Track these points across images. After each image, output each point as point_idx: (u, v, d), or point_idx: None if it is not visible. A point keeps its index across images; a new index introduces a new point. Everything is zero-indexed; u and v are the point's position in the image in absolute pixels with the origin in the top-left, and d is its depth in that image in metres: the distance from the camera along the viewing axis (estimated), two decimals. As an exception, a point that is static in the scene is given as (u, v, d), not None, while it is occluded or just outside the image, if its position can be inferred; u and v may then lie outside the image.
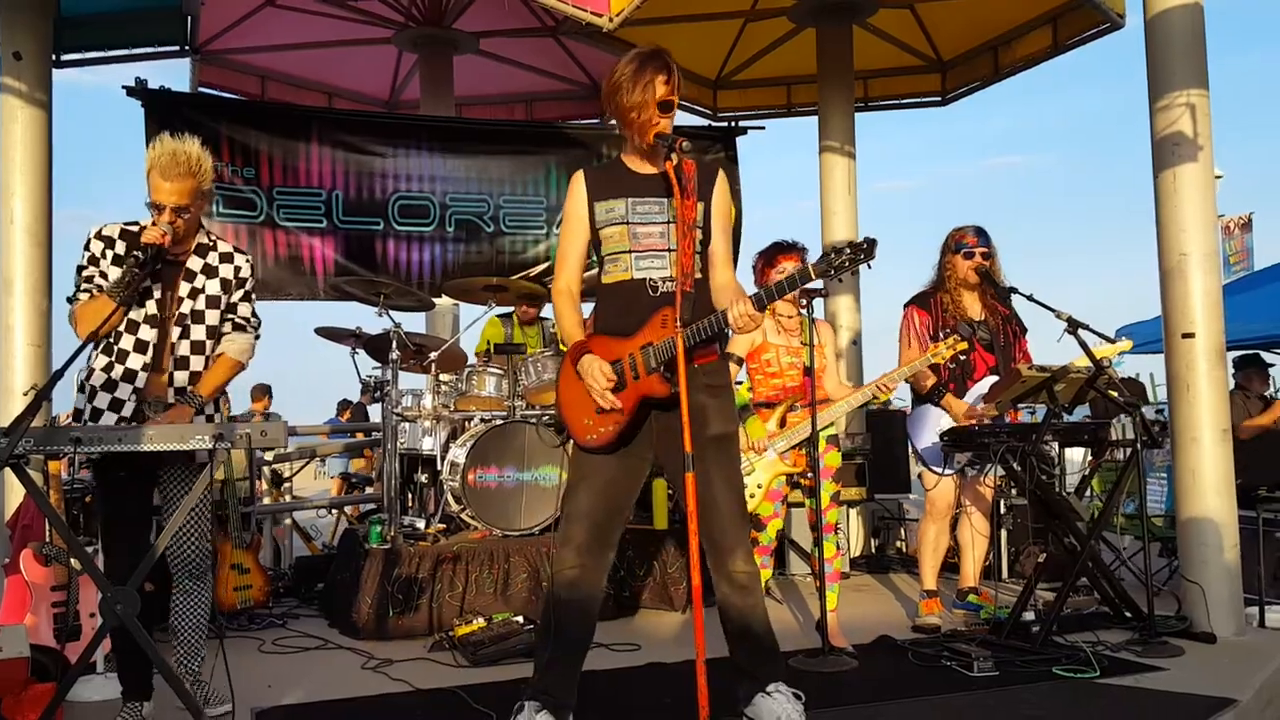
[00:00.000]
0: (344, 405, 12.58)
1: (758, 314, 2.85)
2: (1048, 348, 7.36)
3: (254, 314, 3.50)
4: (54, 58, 6.46)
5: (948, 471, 4.76)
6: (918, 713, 3.40)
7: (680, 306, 2.82)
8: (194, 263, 3.37)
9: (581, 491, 3.05)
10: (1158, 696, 3.51)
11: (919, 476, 4.98)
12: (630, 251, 3.01)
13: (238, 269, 3.44)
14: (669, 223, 3.00)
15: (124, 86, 6.45)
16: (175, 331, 3.32)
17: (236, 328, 3.43)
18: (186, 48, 7.44)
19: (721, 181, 3.12)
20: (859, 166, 7.65)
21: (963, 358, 4.59)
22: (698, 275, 2.99)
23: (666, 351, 2.89)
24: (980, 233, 4.85)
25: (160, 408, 3.29)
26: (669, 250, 2.99)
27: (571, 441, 3.08)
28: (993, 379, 4.73)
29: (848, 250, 2.80)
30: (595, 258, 3.13)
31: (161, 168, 3.19)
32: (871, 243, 2.80)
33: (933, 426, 4.77)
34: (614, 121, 3.01)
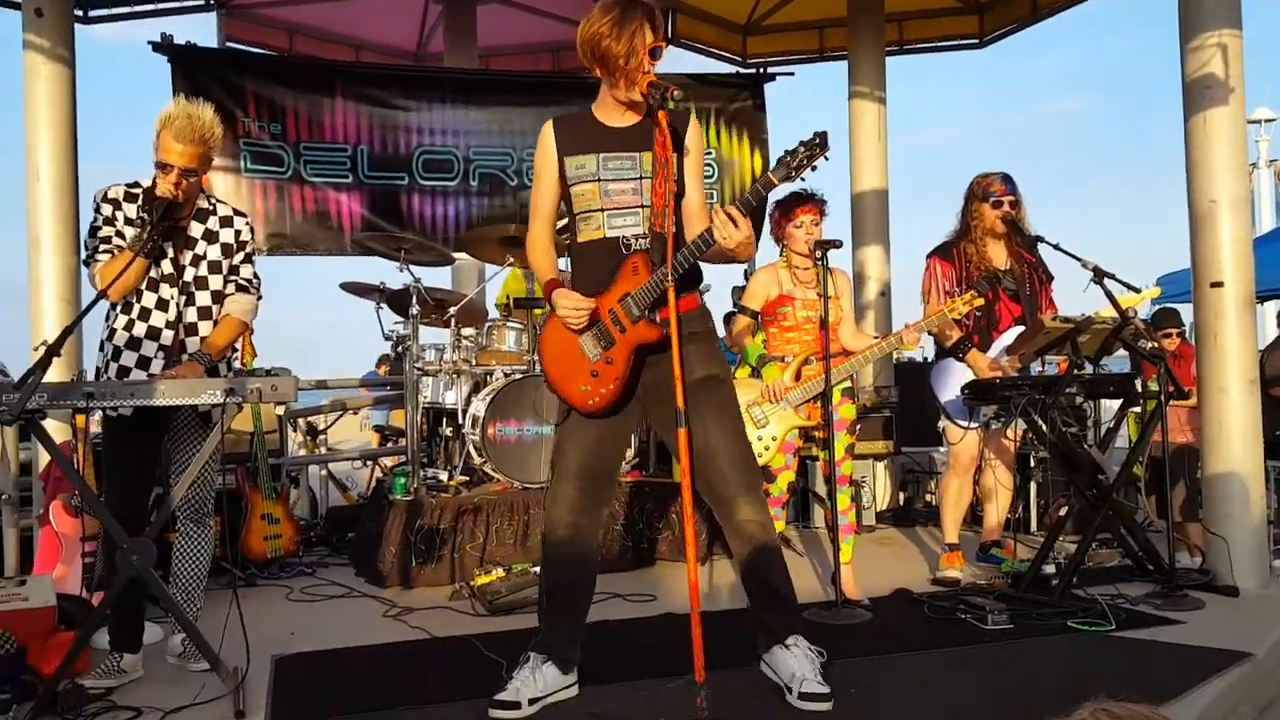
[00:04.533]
0: (382, 359, 12.75)
1: (740, 218, 2.75)
2: (1075, 298, 7.22)
3: (255, 275, 3.55)
4: (81, 14, 6.52)
5: (972, 425, 4.70)
6: (926, 664, 3.39)
7: (657, 249, 2.78)
8: (194, 229, 3.42)
9: (570, 450, 3.05)
10: (1170, 650, 3.47)
11: (942, 430, 4.93)
12: (602, 210, 2.96)
13: (238, 232, 3.48)
14: (641, 178, 2.94)
15: (149, 42, 6.49)
16: (181, 299, 3.37)
17: (240, 289, 3.49)
18: (212, 2, 7.46)
19: (694, 127, 3.03)
20: (893, 113, 7.51)
21: (979, 314, 4.51)
22: (673, 229, 2.90)
23: (647, 295, 2.86)
24: (1007, 180, 4.73)
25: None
26: (642, 207, 2.94)
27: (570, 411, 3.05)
28: (1018, 329, 4.65)
29: (801, 148, 2.72)
30: (566, 215, 3.09)
31: (176, 130, 3.22)
32: (822, 135, 2.73)
33: (956, 380, 4.70)
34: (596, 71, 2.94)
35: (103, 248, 3.32)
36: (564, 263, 3.35)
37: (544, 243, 3.09)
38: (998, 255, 4.78)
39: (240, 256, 3.49)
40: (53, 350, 2.81)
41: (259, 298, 3.55)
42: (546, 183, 3.04)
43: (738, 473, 3.00)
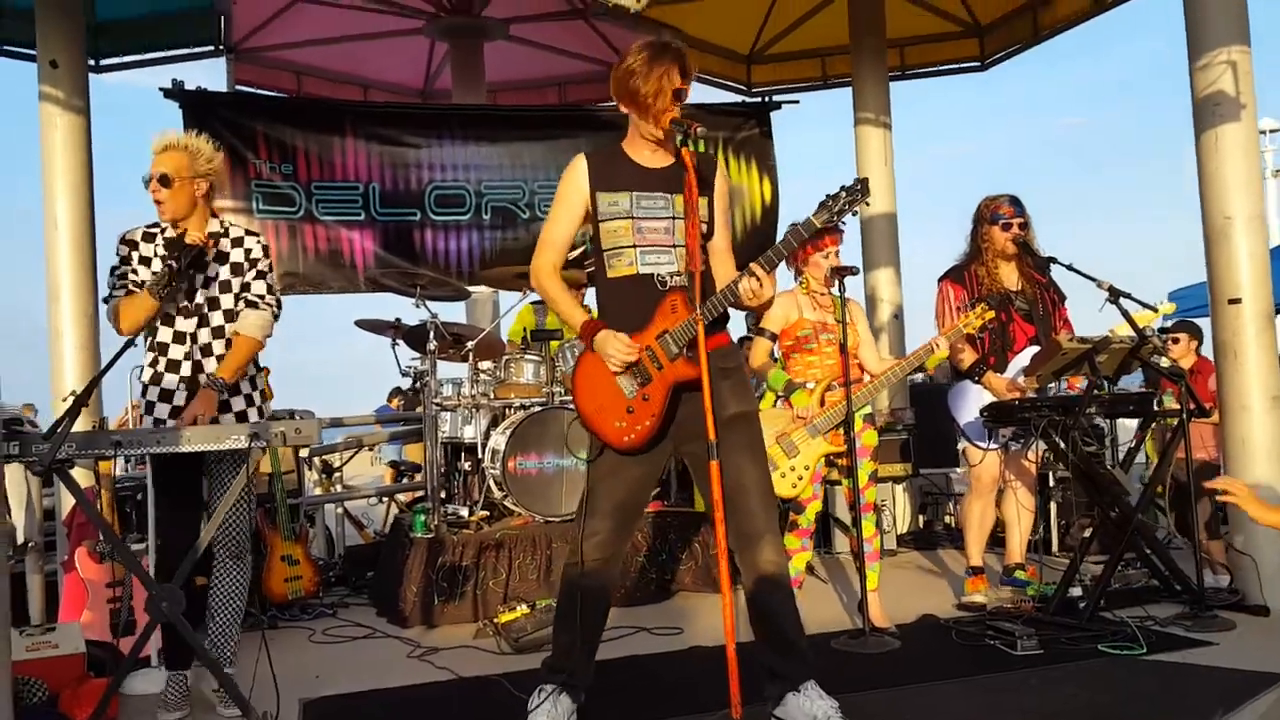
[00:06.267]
0: (394, 392, 12.74)
1: (766, 277, 2.88)
2: (1088, 318, 7.20)
3: (270, 291, 3.53)
4: (94, 64, 6.59)
5: (992, 446, 4.69)
6: (959, 694, 3.36)
7: (695, 290, 2.82)
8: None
9: (605, 489, 3.05)
10: (1205, 672, 3.44)
11: (962, 452, 4.91)
12: (635, 246, 2.97)
13: (248, 251, 3.51)
14: (674, 218, 2.98)
15: (161, 88, 6.54)
16: (193, 322, 3.41)
17: (249, 305, 3.48)
18: (221, 47, 7.54)
19: (721, 174, 3.10)
20: (899, 137, 7.55)
21: (991, 326, 4.50)
22: (702, 268, 2.95)
23: (685, 334, 2.88)
24: (1015, 202, 4.74)
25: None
26: (674, 246, 2.97)
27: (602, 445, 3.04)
28: (1034, 349, 4.64)
29: (843, 193, 2.85)
30: (590, 249, 3.11)
31: (153, 144, 3.39)
32: (863, 181, 2.87)
33: (974, 402, 4.69)
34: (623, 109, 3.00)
35: (120, 285, 3.41)
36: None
37: (558, 276, 3.09)
38: (1009, 277, 4.79)
39: (252, 274, 3.50)
40: (81, 400, 2.84)
41: (275, 315, 3.53)
42: (570, 214, 3.05)
43: (767, 511, 3.01)
